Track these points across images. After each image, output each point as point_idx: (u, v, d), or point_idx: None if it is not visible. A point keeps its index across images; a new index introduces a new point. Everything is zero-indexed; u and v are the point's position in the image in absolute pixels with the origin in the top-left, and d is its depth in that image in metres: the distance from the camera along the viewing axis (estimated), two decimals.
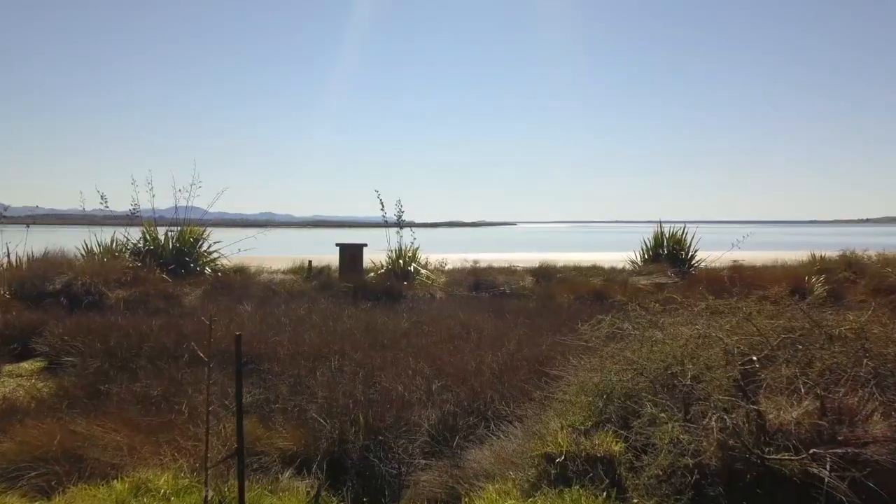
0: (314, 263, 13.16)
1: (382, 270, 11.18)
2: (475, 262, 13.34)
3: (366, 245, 11.40)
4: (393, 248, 11.38)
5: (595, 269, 13.43)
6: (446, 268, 13.58)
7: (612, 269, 13.68)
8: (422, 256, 12.28)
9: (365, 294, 10.20)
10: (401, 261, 11.07)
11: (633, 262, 14.29)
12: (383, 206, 11.39)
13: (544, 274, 12.38)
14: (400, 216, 11.55)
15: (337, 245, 11.64)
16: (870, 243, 14.78)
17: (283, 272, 12.63)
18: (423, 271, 11.15)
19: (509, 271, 12.36)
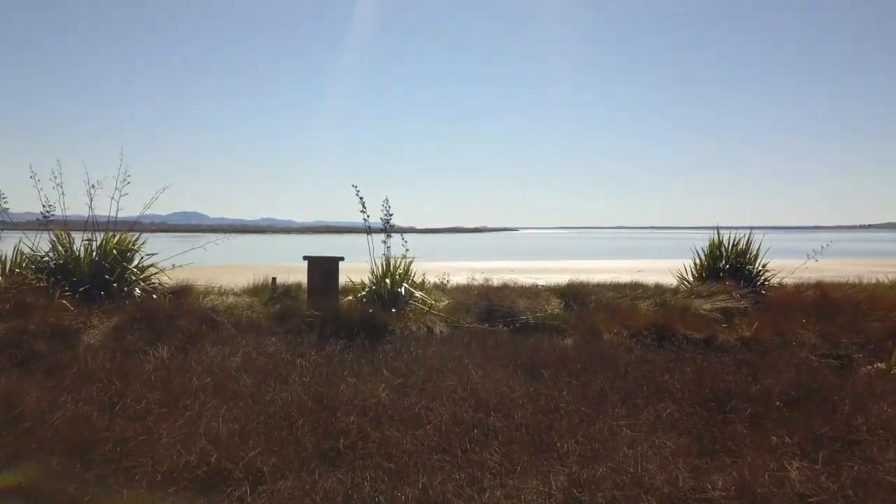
0: (284, 280, 10.37)
1: (364, 293, 8.36)
2: (486, 279, 10.54)
3: (342, 259, 8.59)
4: (378, 263, 8.56)
5: (636, 288, 10.59)
6: (449, 284, 10.77)
7: (658, 288, 10.84)
8: (417, 271, 9.45)
9: (337, 327, 7.42)
10: (388, 280, 8.25)
11: (680, 277, 11.46)
12: (364, 208, 8.59)
13: (575, 295, 9.56)
14: (387, 220, 8.73)
15: (305, 259, 8.83)
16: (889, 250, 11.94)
17: (238, 293, 9.83)
18: (417, 294, 8.34)
19: (531, 292, 9.57)
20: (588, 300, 9.45)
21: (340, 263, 8.69)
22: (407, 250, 8.76)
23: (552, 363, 5.86)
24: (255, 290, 10.15)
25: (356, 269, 9.98)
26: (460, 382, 5.00)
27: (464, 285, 10.95)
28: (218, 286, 10.45)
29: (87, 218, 9.59)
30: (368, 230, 8.58)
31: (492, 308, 8.43)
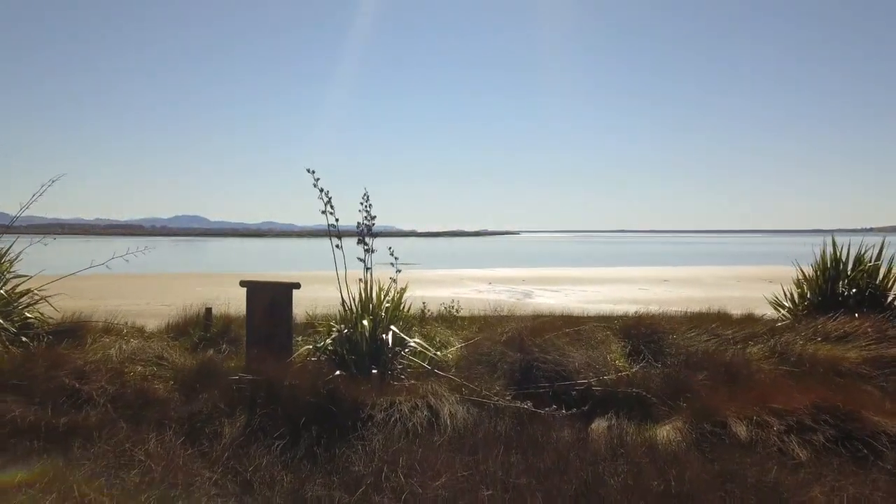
0: (228, 310, 7.38)
1: (330, 341, 5.30)
2: (510, 300, 7.54)
3: (297, 287, 5.53)
4: (356, 292, 5.50)
5: (724, 322, 7.52)
6: (460, 311, 7.75)
7: (751, 319, 7.81)
8: (410, 301, 6.37)
9: (281, 408, 4.40)
10: (366, 322, 5.19)
11: (774, 302, 8.41)
12: (329, 205, 5.46)
13: (645, 335, 6.51)
14: (369, 226, 5.64)
15: (243, 285, 5.78)
16: None
17: (155, 333, 6.84)
18: (412, 342, 5.27)
19: (581, 333, 6.49)
20: (665, 343, 6.40)
21: (297, 293, 5.65)
22: (398, 271, 5.69)
23: None
24: (182, 325, 7.14)
25: (327, 300, 6.95)
26: None
27: (481, 314, 7.93)
28: (134, 319, 7.46)
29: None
30: (338, 236, 5.52)
31: (530, 363, 5.38)
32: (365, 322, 5.14)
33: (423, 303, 7.16)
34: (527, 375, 5.28)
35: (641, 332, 6.57)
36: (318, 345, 5.31)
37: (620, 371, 5.47)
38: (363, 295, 5.46)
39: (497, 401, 4.79)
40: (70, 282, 7.10)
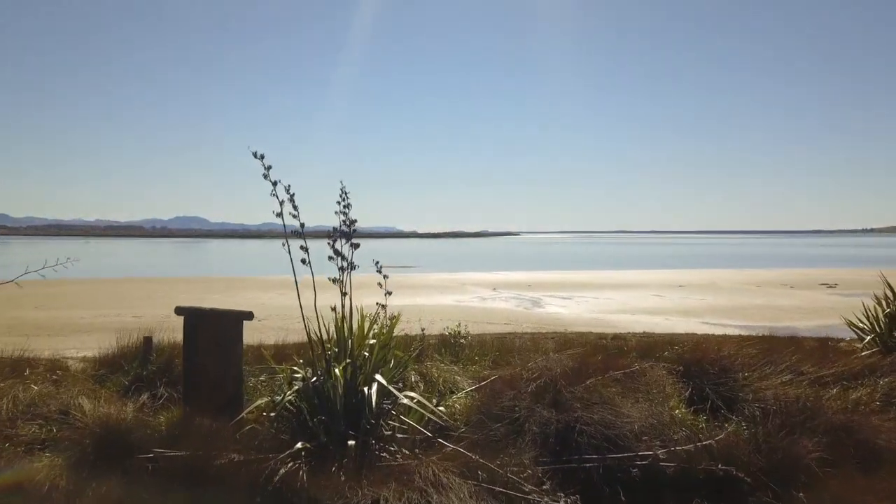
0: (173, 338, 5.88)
1: (291, 395, 3.79)
2: (524, 321, 6.08)
3: (248, 317, 4.03)
4: (330, 316, 3.96)
5: (793, 345, 6.03)
6: (468, 336, 6.26)
7: (825, 345, 6.31)
8: (405, 313, 4.87)
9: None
10: (338, 371, 3.68)
11: (849, 323, 6.90)
12: (292, 203, 3.90)
13: (709, 372, 5.03)
14: (347, 232, 4.10)
15: (179, 312, 4.28)
16: None
17: (74, 372, 5.38)
18: (405, 398, 3.75)
19: (626, 377, 4.96)
20: (736, 384, 4.92)
21: (269, 305, 4.16)
22: (388, 293, 4.18)
23: None
24: (117, 358, 5.66)
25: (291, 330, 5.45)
26: None
27: (493, 338, 6.44)
28: (58, 356, 6.01)
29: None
30: (289, 233, 4.00)
31: (570, 424, 3.89)
32: (338, 371, 3.64)
33: (423, 329, 5.67)
34: (566, 443, 3.80)
35: (705, 370, 5.09)
36: (281, 398, 3.82)
37: (693, 434, 3.98)
38: (339, 324, 3.96)
39: (524, 487, 3.30)
40: (41, 288, 5.69)
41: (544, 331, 10.81)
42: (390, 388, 3.70)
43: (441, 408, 4.01)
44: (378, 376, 3.72)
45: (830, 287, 27.26)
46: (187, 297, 21.86)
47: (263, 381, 4.80)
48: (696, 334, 11.84)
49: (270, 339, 6.96)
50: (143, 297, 20.77)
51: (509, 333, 10.16)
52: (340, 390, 3.68)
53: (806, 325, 15.12)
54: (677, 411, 4.43)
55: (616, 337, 9.11)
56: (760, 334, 7.51)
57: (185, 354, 4.25)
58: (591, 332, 10.19)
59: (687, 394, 4.92)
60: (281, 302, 15.10)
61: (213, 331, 4.13)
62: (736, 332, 12.08)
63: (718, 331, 12.31)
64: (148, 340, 5.42)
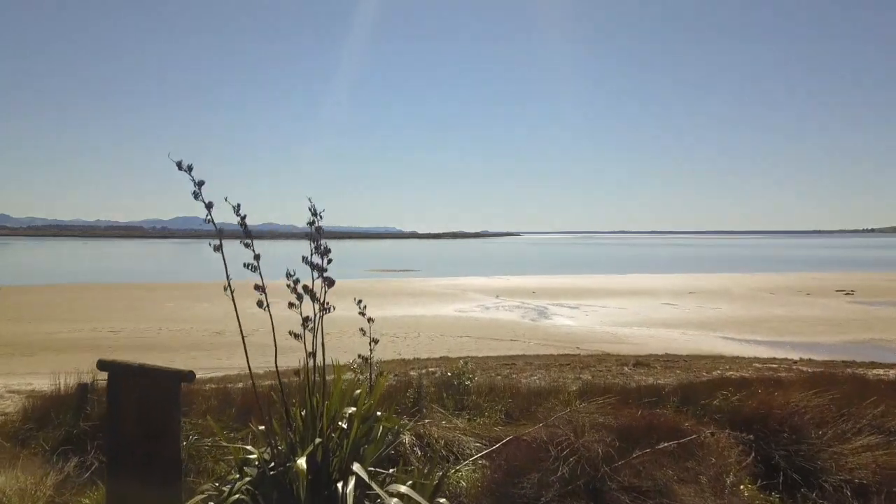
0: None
1: (243, 484, 2.80)
2: (537, 336, 5.32)
3: (189, 379, 3.06)
4: (302, 370, 2.96)
5: (854, 383, 5.05)
6: (475, 372, 5.25)
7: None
8: (401, 343, 3.97)
9: None
10: (304, 461, 2.68)
11: None
12: (237, 212, 2.91)
13: (776, 431, 4.04)
14: (324, 257, 3.10)
15: (102, 368, 3.30)
16: None
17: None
18: (393, 500, 2.75)
19: (681, 448, 3.94)
20: (811, 448, 3.93)
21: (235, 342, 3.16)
22: (375, 341, 3.19)
23: None
24: (50, 408, 4.67)
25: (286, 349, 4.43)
26: None
27: (505, 382, 5.44)
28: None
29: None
30: (223, 232, 3.00)
31: None
32: (303, 461, 2.65)
33: (422, 372, 4.67)
34: None
35: (771, 429, 4.10)
36: (224, 489, 2.84)
37: None
38: (307, 395, 2.96)
39: None
40: (22, 296, 4.73)
41: (556, 352, 9.85)
42: (372, 484, 2.71)
43: (442, 500, 3.02)
44: (356, 466, 2.73)
45: (848, 294, 26.22)
46: (173, 306, 20.82)
47: (212, 457, 3.82)
48: (723, 356, 10.90)
49: (256, 360, 5.97)
50: (126, 308, 19.81)
51: (518, 357, 9.20)
52: (305, 486, 2.69)
53: (836, 340, 14.14)
54: (746, 493, 3.45)
55: (638, 363, 8.16)
56: (806, 358, 6.49)
57: (108, 423, 3.27)
58: (609, 355, 9.24)
59: (749, 459, 3.95)
60: (274, 311, 14.08)
61: (143, 394, 3.14)
62: (766, 352, 11.09)
63: (747, 351, 11.31)
64: (83, 388, 4.43)
